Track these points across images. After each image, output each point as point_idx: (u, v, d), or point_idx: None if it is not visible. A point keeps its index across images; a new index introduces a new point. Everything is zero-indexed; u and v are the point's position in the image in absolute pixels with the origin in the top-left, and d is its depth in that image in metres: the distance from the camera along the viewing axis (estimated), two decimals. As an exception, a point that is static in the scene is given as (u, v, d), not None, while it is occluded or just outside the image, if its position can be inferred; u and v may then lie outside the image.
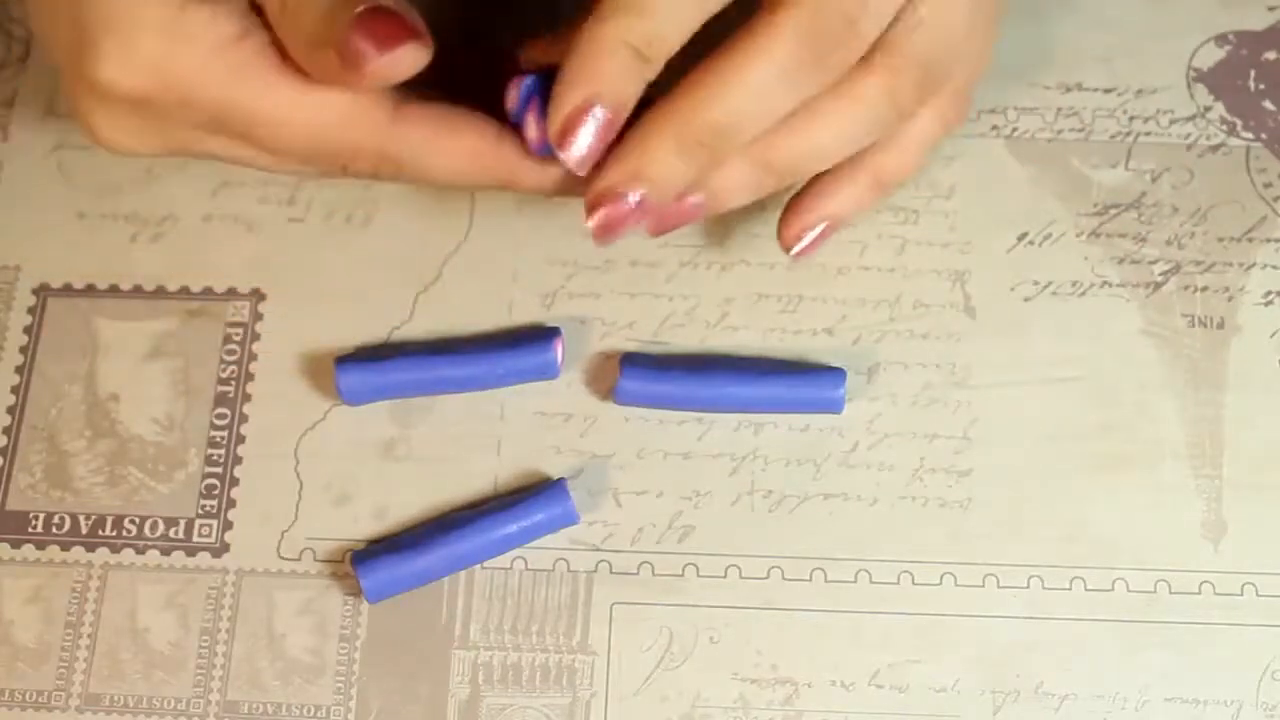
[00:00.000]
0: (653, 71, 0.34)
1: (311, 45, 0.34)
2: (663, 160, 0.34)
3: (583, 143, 0.34)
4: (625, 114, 0.34)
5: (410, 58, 0.33)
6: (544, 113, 0.34)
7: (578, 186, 0.36)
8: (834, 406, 0.41)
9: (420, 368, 0.41)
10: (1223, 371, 0.42)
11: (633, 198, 0.34)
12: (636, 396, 0.41)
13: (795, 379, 0.41)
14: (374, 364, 0.41)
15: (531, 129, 0.35)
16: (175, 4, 0.34)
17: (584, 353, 0.43)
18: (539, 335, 0.42)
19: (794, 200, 0.40)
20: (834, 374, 0.41)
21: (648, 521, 0.41)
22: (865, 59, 0.35)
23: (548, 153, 0.35)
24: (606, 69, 0.33)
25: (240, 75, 0.34)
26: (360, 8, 0.33)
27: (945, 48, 0.36)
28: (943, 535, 0.41)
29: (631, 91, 0.34)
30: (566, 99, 0.34)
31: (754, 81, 0.33)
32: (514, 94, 0.35)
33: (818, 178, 0.39)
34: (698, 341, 0.43)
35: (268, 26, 0.35)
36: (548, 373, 0.42)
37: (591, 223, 0.35)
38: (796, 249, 0.40)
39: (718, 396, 0.41)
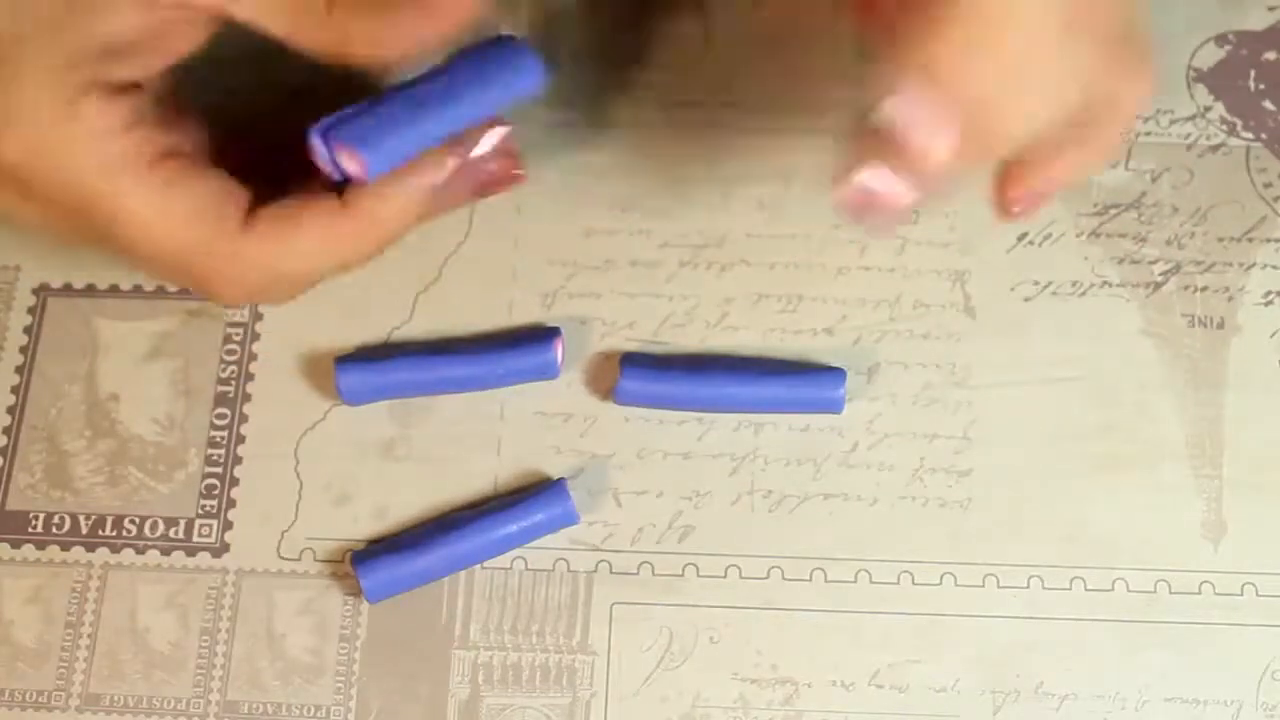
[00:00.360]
0: None
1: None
2: (942, 139, 0.32)
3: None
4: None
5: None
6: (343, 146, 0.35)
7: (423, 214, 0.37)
8: (834, 406, 0.41)
9: (420, 368, 0.42)
10: (1223, 371, 0.42)
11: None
12: (637, 396, 0.41)
13: (795, 379, 0.41)
14: (374, 364, 0.41)
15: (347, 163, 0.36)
16: (70, 90, 0.34)
17: (584, 353, 0.43)
18: (539, 335, 0.42)
19: (1018, 163, 0.37)
20: (834, 374, 0.41)
21: (648, 521, 0.41)
22: None
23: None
24: None
25: (112, 170, 0.35)
26: None
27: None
28: (943, 535, 0.41)
29: None
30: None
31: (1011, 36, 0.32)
32: (317, 145, 0.36)
33: (1043, 145, 0.37)
34: (698, 341, 0.43)
35: (158, 124, 0.36)
36: (548, 373, 0.42)
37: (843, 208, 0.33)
38: (1016, 209, 0.37)
39: (718, 396, 0.41)
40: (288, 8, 0.37)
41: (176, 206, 0.35)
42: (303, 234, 0.36)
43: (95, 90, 0.34)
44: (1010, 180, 0.37)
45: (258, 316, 0.44)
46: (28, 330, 0.43)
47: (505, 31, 0.38)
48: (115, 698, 0.40)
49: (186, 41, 0.37)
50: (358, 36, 0.36)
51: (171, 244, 0.36)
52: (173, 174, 0.35)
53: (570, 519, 0.40)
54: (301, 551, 0.41)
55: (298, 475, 0.42)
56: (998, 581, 0.40)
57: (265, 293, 0.38)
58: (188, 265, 0.36)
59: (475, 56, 0.38)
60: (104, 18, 0.35)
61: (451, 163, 0.38)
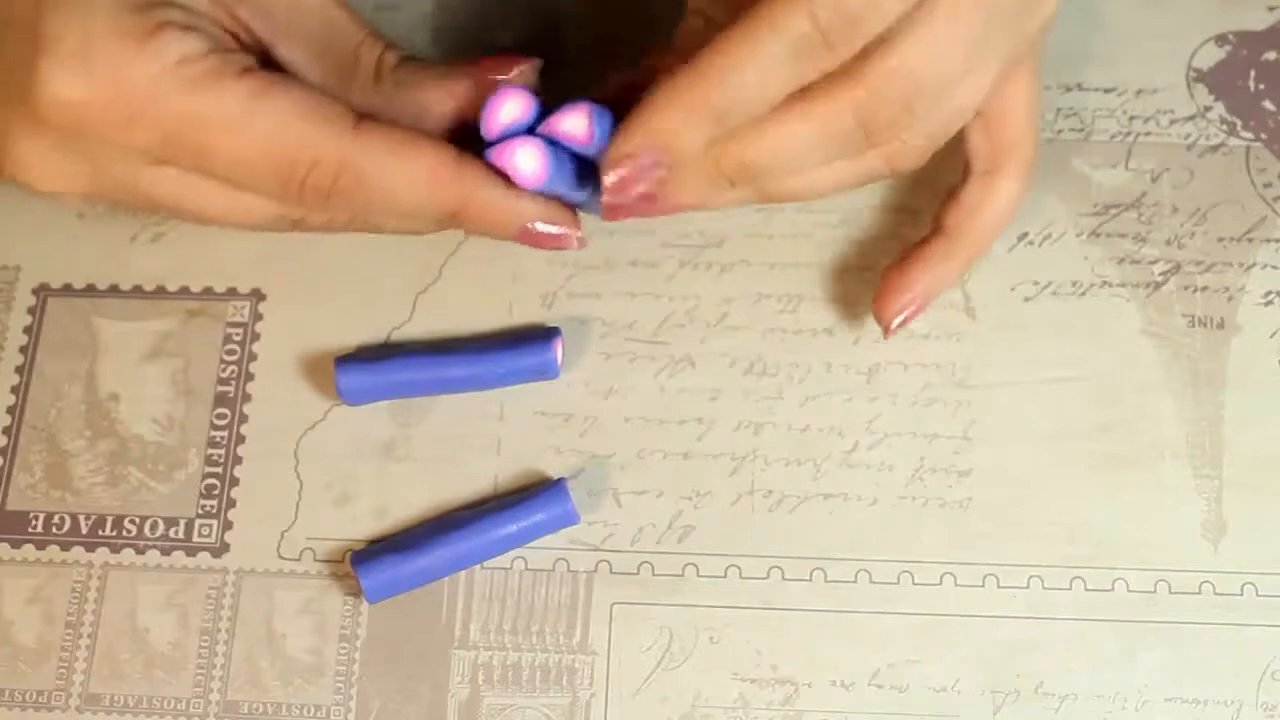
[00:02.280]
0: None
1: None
2: (682, 126, 0.34)
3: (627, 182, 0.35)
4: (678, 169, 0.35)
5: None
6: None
7: (538, 220, 0.37)
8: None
9: (420, 368, 0.42)
10: (1223, 371, 0.42)
11: (646, 161, 0.35)
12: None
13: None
14: (374, 364, 0.41)
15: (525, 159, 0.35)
16: (142, 28, 0.34)
17: (584, 353, 0.43)
18: (539, 335, 0.42)
19: (893, 276, 0.41)
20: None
21: (648, 521, 0.41)
22: (847, 70, 0.34)
23: (544, 187, 0.35)
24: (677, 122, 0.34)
25: (198, 85, 0.34)
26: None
27: (937, 75, 0.35)
28: (943, 535, 0.41)
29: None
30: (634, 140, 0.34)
31: (764, 55, 0.33)
32: (496, 114, 0.35)
33: (917, 253, 0.41)
34: (698, 341, 0.43)
35: (238, 49, 0.35)
36: (548, 373, 0.42)
37: (608, 183, 0.35)
38: (895, 324, 0.41)
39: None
40: (326, 66, 0.37)
41: (276, 106, 0.34)
42: (415, 158, 0.35)
43: (169, 29, 0.34)
44: (885, 299, 0.41)
45: (258, 316, 0.44)
46: (28, 330, 0.44)
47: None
48: (115, 698, 0.40)
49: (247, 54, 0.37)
50: (394, 115, 0.37)
51: (275, 144, 0.34)
52: (267, 82, 0.34)
53: (570, 519, 0.40)
54: (301, 551, 0.41)
55: (298, 475, 0.42)
56: (998, 581, 0.40)
57: (359, 198, 0.36)
58: (291, 167, 0.35)
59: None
60: None
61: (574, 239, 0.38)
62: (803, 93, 0.34)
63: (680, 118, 0.34)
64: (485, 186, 0.36)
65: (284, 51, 0.37)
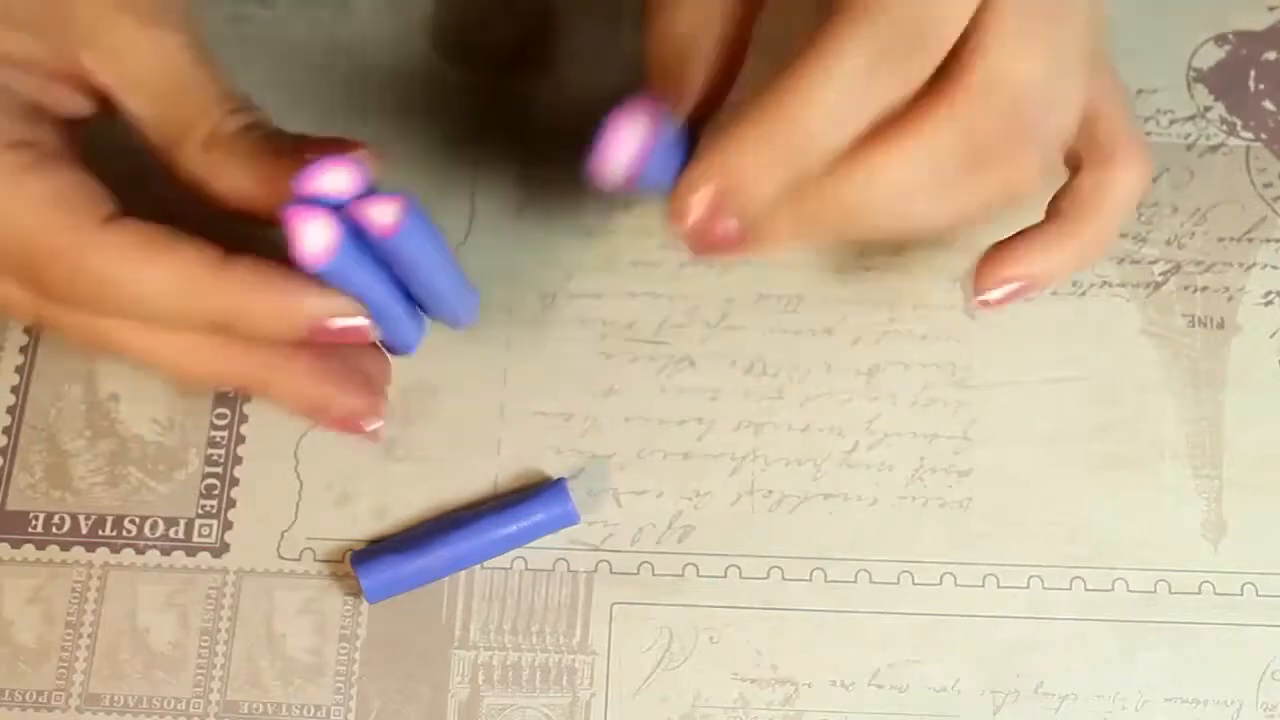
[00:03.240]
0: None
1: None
2: (755, 168, 0.31)
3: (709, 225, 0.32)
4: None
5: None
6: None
7: (330, 311, 0.33)
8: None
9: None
10: (1223, 371, 0.42)
11: (715, 204, 0.32)
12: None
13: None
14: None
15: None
16: None
17: (584, 353, 0.43)
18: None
19: (1000, 248, 0.36)
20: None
21: (648, 521, 0.41)
22: (939, 89, 0.32)
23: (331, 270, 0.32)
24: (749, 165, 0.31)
25: None
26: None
27: (1032, 77, 0.32)
28: (943, 535, 0.41)
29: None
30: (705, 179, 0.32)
31: (833, 87, 0.31)
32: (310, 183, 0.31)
33: (1030, 232, 0.36)
34: (698, 342, 0.43)
35: (18, 117, 0.34)
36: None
37: (682, 231, 0.32)
38: (989, 298, 0.36)
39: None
40: (165, 122, 0.34)
41: (30, 189, 0.32)
42: (166, 260, 0.32)
43: None
44: (986, 267, 0.36)
45: (258, 316, 0.43)
46: (28, 330, 0.43)
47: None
48: (115, 698, 0.40)
49: (73, 100, 0.36)
50: (219, 187, 0.34)
51: (15, 227, 0.32)
52: (28, 159, 0.33)
53: (570, 519, 0.40)
54: (301, 551, 0.41)
55: (298, 475, 0.42)
56: (998, 581, 0.40)
57: (87, 325, 0.34)
58: (28, 257, 0.33)
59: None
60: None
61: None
62: (895, 118, 0.32)
63: (755, 155, 0.31)
64: (255, 285, 0.33)
65: (126, 101, 0.35)
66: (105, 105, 0.36)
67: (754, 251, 0.33)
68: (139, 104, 0.35)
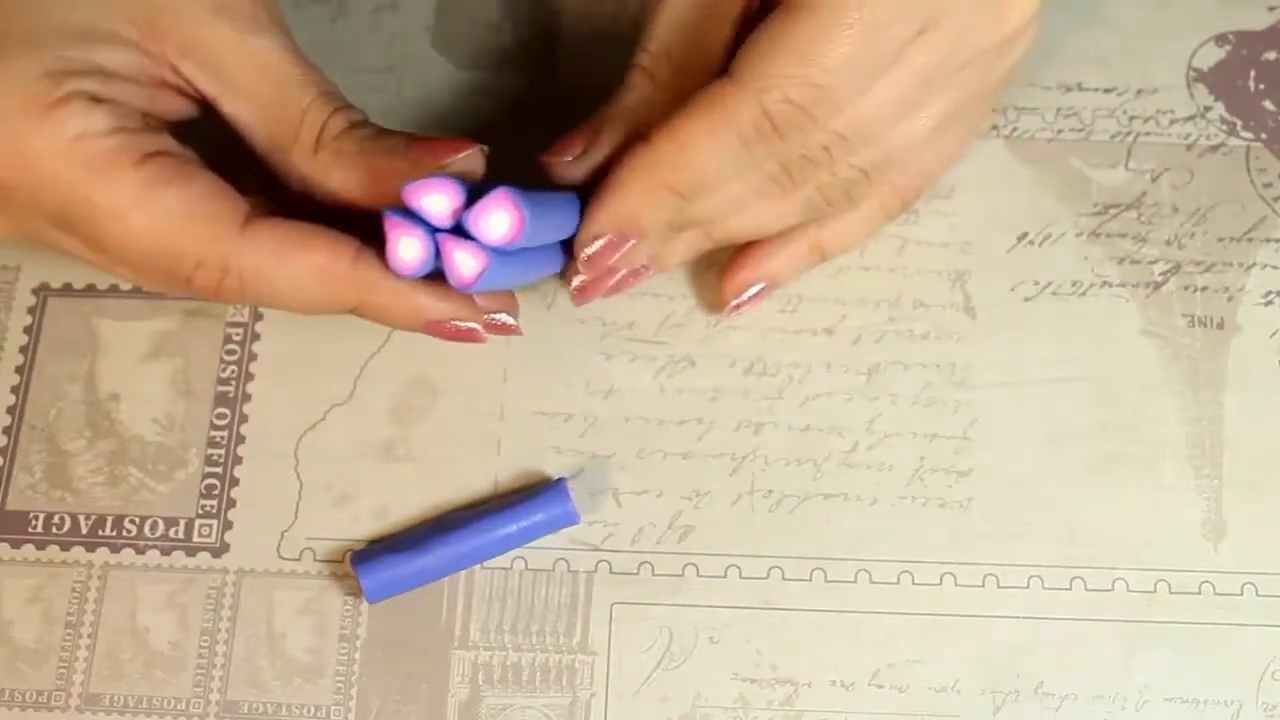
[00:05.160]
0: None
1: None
2: (647, 209, 0.36)
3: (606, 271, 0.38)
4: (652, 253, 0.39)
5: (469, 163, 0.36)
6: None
7: (446, 315, 0.37)
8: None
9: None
10: (1223, 371, 0.42)
11: (616, 241, 0.37)
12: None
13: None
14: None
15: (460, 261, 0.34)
16: (48, 98, 0.33)
17: (584, 353, 0.43)
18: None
19: (735, 259, 0.42)
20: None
21: (648, 521, 0.41)
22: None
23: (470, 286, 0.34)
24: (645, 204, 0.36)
25: (91, 167, 0.34)
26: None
27: (905, 148, 0.38)
28: (943, 535, 0.41)
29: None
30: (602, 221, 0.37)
31: (719, 144, 0.35)
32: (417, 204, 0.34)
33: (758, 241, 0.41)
34: (698, 342, 0.43)
35: (144, 130, 0.35)
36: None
37: (582, 264, 0.37)
38: (734, 303, 0.42)
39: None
40: (271, 126, 0.36)
41: (165, 202, 0.34)
42: (303, 259, 0.35)
43: (76, 100, 0.34)
44: (727, 275, 0.42)
45: (258, 317, 0.44)
46: (28, 330, 0.44)
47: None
48: (115, 698, 0.40)
49: (177, 105, 0.37)
50: (330, 187, 0.36)
51: (159, 240, 0.34)
52: (161, 171, 0.34)
53: (571, 519, 0.40)
54: (301, 551, 0.41)
55: (298, 475, 0.42)
56: (998, 581, 0.40)
57: (246, 299, 0.36)
58: (174, 268, 0.35)
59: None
60: (103, 45, 0.35)
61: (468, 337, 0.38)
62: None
63: (646, 199, 0.36)
64: (381, 284, 0.36)
65: (228, 108, 0.36)
66: (208, 108, 0.37)
67: (628, 282, 0.40)
68: (242, 110, 0.36)
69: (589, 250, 0.37)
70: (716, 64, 0.36)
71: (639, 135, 0.36)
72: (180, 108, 0.37)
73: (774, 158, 0.36)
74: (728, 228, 0.39)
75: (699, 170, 0.35)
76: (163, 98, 0.36)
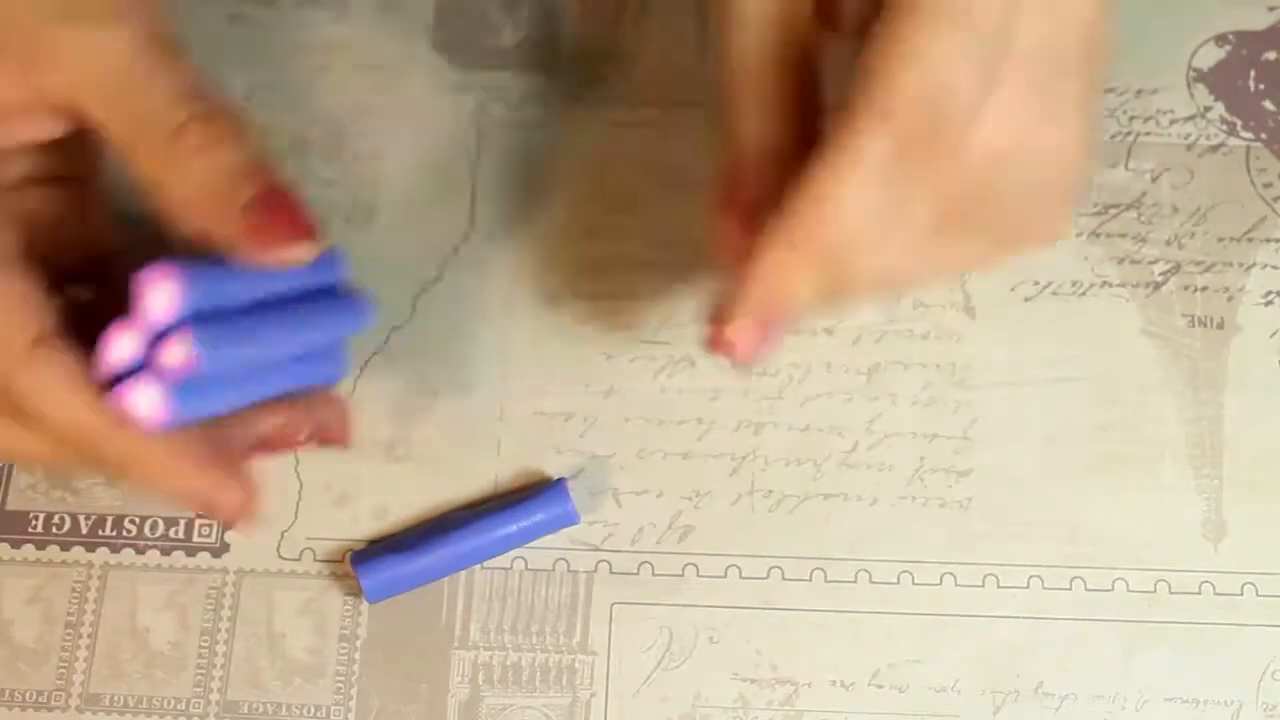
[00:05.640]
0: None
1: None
2: (798, 276, 0.32)
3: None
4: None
5: (299, 253, 0.32)
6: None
7: (199, 489, 0.33)
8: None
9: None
10: (1223, 371, 0.42)
11: (759, 328, 0.33)
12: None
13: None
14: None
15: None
16: None
17: (584, 353, 0.43)
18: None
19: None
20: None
21: (648, 521, 0.41)
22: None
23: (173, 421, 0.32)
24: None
25: None
26: (252, 193, 0.32)
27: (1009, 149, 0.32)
28: (943, 535, 0.41)
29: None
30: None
31: (859, 185, 0.31)
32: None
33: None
34: (698, 341, 0.43)
35: None
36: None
37: (734, 339, 0.33)
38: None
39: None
40: (122, 126, 0.33)
41: None
42: (76, 406, 0.32)
43: None
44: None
45: (258, 316, 0.43)
46: (28, 330, 0.43)
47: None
48: (115, 698, 0.40)
49: (29, 127, 0.34)
50: (170, 201, 0.32)
51: None
52: None
53: (570, 519, 0.40)
54: (301, 551, 0.41)
55: (298, 475, 0.42)
56: (998, 581, 0.40)
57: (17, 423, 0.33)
58: None
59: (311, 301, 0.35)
60: None
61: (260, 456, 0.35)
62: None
63: (795, 268, 0.32)
64: (151, 460, 0.33)
65: (82, 109, 0.33)
66: (78, 121, 0.34)
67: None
68: (92, 107, 0.33)
69: (740, 334, 0.33)
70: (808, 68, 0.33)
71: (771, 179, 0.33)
72: (43, 128, 0.34)
73: (925, 189, 0.32)
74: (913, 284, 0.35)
75: (847, 227, 0.31)
76: (18, 123, 0.34)
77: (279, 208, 0.32)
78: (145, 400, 0.31)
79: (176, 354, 0.31)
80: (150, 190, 0.33)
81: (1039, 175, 0.33)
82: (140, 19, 0.33)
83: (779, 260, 0.32)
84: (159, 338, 0.31)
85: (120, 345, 0.31)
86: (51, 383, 0.32)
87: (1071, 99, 0.33)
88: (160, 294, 0.31)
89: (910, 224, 0.32)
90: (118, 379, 0.31)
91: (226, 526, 0.39)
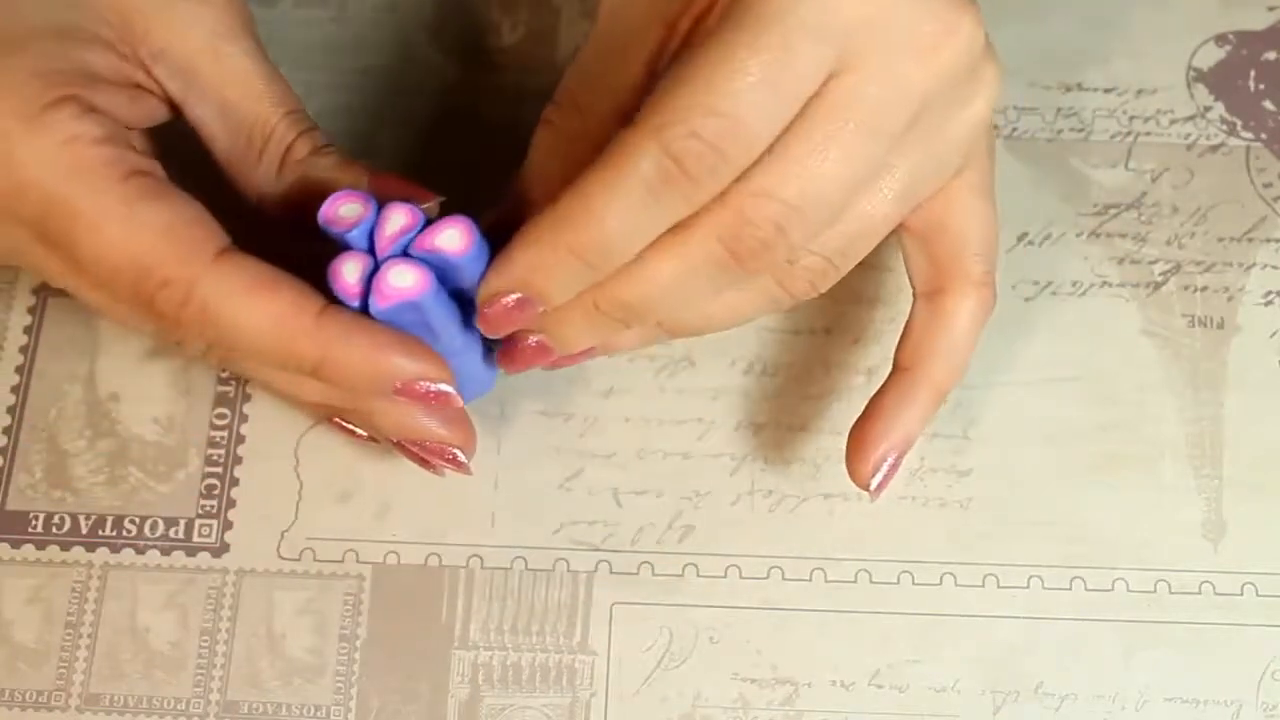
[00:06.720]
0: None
1: None
2: (550, 270, 0.33)
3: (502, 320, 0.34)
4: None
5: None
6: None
7: (414, 375, 0.34)
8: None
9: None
10: (1223, 371, 0.42)
11: (514, 301, 0.33)
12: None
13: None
14: None
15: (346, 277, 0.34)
16: (40, 100, 0.33)
17: (584, 353, 0.43)
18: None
19: (858, 433, 0.37)
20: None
21: (648, 521, 0.41)
22: (722, 196, 0.32)
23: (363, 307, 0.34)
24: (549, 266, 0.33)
25: (77, 172, 0.33)
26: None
27: (814, 195, 0.32)
28: (943, 535, 0.41)
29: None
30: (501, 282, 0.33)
31: (622, 197, 0.31)
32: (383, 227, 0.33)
33: (877, 402, 0.37)
34: (698, 341, 0.43)
35: (132, 149, 0.34)
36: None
37: (480, 321, 0.34)
38: (875, 484, 0.37)
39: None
40: (235, 139, 0.36)
41: (143, 216, 0.33)
42: (266, 303, 0.33)
43: (69, 104, 0.33)
44: (858, 456, 0.37)
45: (258, 316, 0.44)
46: (28, 330, 0.44)
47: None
48: (115, 698, 0.40)
49: (150, 108, 0.37)
50: (287, 209, 0.36)
51: (130, 254, 0.33)
52: (144, 188, 0.34)
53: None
54: (301, 551, 0.41)
55: (298, 475, 0.42)
56: (998, 581, 0.40)
57: (203, 333, 0.35)
58: (139, 283, 0.33)
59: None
60: (85, 47, 0.34)
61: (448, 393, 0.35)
62: (674, 226, 0.32)
63: (546, 261, 0.32)
64: (346, 340, 0.34)
65: (195, 113, 0.36)
66: (178, 111, 0.37)
67: (563, 360, 0.36)
68: (208, 118, 0.36)
69: (486, 309, 0.34)
70: (630, 111, 0.32)
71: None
72: (153, 111, 0.37)
73: (692, 207, 0.32)
74: (679, 322, 0.36)
75: (602, 229, 0.31)
76: (138, 101, 0.36)
77: (390, 184, 0.36)
78: (405, 275, 0.33)
79: (452, 237, 0.33)
80: (258, 199, 0.36)
81: (817, 227, 0.33)
82: (255, 38, 0.37)
83: (532, 252, 0.33)
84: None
85: (350, 208, 0.34)
86: (246, 283, 0.33)
87: (891, 168, 0.33)
88: (452, 231, 0.33)
89: (686, 250, 0.32)
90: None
91: (436, 456, 0.38)
